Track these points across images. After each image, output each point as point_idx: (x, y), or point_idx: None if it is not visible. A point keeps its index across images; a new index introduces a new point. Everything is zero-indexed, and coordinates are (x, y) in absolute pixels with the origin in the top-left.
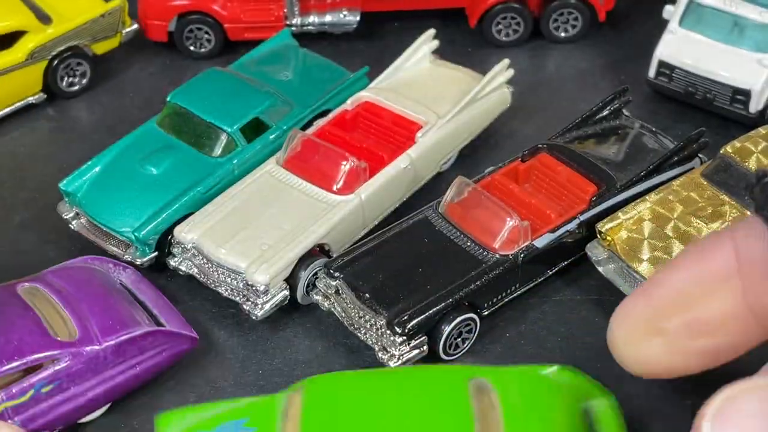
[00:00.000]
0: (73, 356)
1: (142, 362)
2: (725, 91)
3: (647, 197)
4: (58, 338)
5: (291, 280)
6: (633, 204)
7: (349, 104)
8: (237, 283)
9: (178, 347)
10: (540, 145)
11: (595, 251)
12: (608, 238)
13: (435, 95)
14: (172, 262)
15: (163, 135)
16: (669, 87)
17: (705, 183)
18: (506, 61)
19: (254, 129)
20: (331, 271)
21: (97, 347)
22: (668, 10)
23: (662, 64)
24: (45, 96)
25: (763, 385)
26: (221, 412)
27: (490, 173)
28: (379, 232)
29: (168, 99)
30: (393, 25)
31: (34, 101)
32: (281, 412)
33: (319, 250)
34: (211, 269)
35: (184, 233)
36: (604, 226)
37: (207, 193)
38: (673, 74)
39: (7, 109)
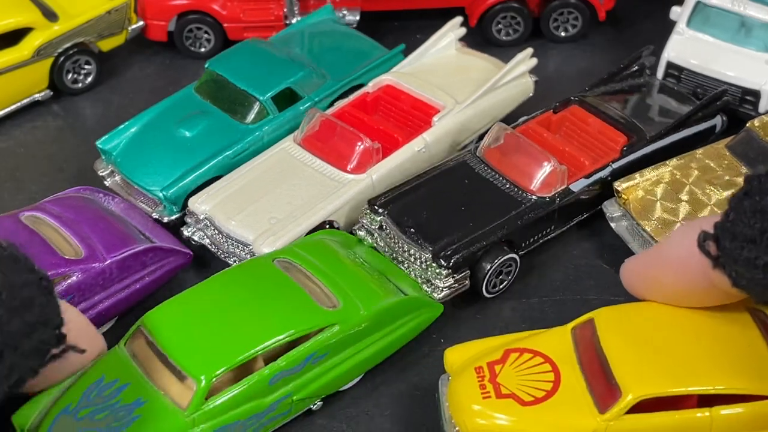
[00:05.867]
0: (82, 272)
1: (144, 277)
2: (734, 92)
3: (668, 162)
4: (66, 257)
5: None
6: (653, 167)
7: (371, 87)
8: (245, 254)
9: (175, 263)
10: (572, 98)
11: (610, 208)
12: (624, 196)
13: (456, 81)
14: (186, 232)
15: (199, 100)
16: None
17: (727, 153)
18: (529, 50)
19: (287, 99)
20: (376, 207)
21: (103, 263)
22: (675, 11)
23: (671, 65)
24: (51, 93)
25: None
26: (74, 383)
27: (523, 122)
28: (419, 173)
29: (206, 66)
30: (393, 25)
31: (39, 98)
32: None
33: (327, 227)
34: (222, 240)
35: (198, 204)
36: (621, 185)
37: (235, 158)
38: (682, 75)
39: (13, 106)
